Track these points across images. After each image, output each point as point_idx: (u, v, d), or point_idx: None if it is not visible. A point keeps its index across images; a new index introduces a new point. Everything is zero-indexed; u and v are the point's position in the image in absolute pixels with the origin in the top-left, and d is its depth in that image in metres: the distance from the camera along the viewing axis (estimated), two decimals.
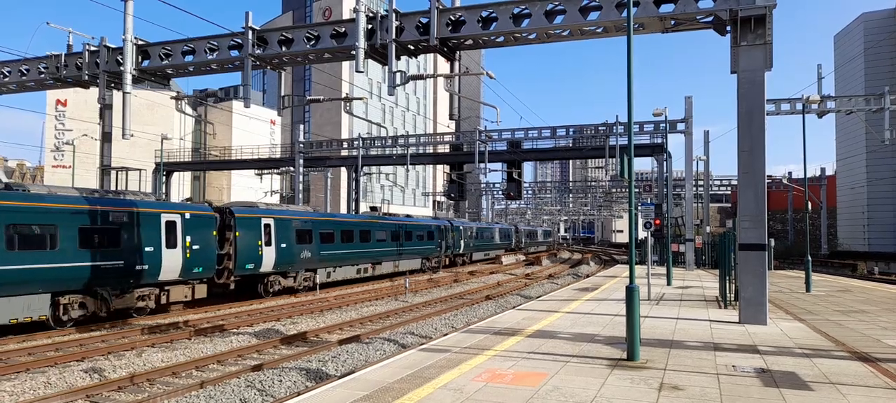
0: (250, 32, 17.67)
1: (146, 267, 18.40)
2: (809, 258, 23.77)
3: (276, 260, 23.78)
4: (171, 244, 19.23)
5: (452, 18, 16.31)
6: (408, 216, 41.41)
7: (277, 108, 24.58)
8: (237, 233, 21.87)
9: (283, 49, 17.92)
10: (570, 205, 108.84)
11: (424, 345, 12.03)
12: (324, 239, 26.97)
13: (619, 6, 14.80)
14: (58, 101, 61.06)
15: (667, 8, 14.51)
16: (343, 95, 37.48)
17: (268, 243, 23.33)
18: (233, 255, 21.78)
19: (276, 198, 63.15)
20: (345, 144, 49.80)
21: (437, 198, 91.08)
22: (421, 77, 20.30)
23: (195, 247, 19.90)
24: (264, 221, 23.36)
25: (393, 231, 33.79)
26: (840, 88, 62.07)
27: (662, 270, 29.54)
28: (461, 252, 46.32)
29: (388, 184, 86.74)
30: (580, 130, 42.08)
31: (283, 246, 24.12)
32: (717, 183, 72.67)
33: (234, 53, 18.45)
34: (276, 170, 54.79)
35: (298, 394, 9.68)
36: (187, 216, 19.99)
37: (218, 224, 21.36)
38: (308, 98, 27.93)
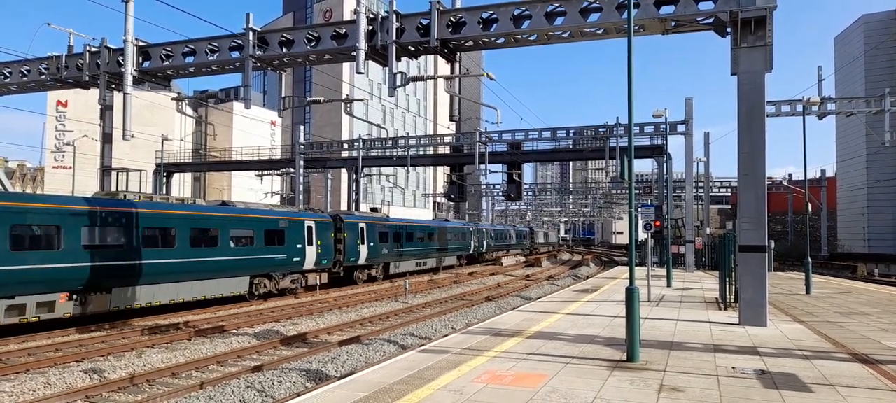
0: (251, 33, 17.69)
1: None
2: (809, 259, 23.75)
3: None
4: None
5: (453, 20, 16.31)
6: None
7: (278, 109, 24.37)
8: None
9: (284, 50, 17.94)
10: (571, 207, 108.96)
11: (424, 346, 12.02)
12: None
13: (619, 8, 14.81)
14: (58, 102, 61.15)
15: (667, 10, 14.51)
16: (343, 97, 37.53)
17: None
18: None
19: (276, 199, 63.25)
20: (345, 145, 49.82)
21: (438, 200, 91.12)
22: (421, 78, 20.29)
23: None
24: None
25: (164, 227, 19.23)
26: (840, 90, 62.14)
27: (662, 272, 29.52)
28: (362, 263, 30.49)
29: (388, 186, 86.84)
30: (580, 132, 42.11)
31: None
32: (718, 184, 72.68)
33: (235, 54, 18.46)
34: (276, 171, 54.84)
35: (298, 395, 9.67)
36: None
37: None
38: (308, 99, 27.87)
